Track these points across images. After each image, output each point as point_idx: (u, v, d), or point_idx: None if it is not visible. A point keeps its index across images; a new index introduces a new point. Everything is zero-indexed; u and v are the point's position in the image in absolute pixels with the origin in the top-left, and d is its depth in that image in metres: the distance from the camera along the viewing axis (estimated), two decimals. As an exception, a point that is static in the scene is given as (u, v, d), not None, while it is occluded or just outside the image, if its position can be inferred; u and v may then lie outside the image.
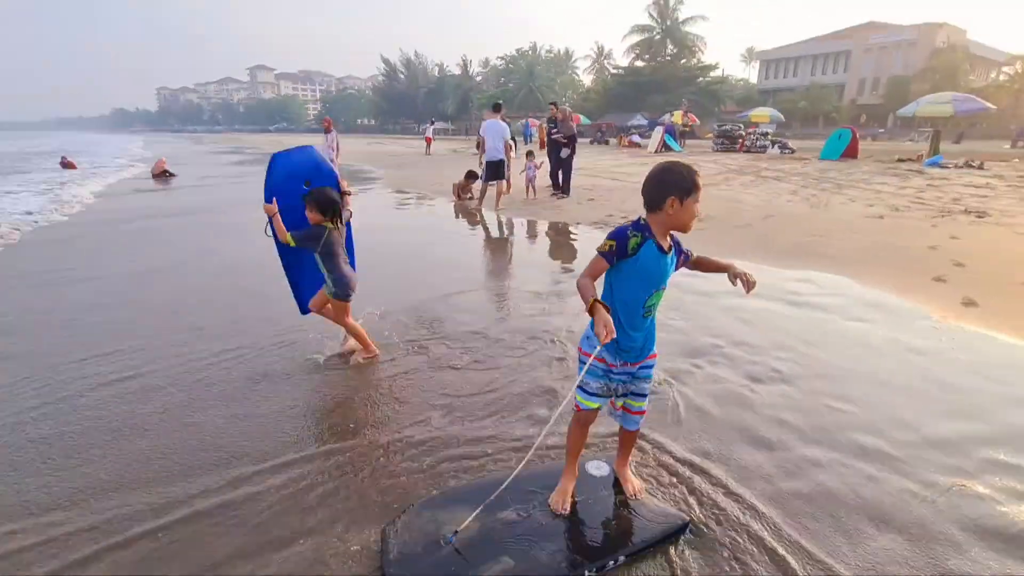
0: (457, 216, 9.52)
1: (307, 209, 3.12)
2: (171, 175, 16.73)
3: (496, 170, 9.52)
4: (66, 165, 20.44)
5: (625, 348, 1.90)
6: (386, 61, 78.16)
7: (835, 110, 47.39)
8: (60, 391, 3.07)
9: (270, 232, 3.13)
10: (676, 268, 1.93)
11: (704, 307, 4.43)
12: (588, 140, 36.75)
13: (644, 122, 40.69)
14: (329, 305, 3.38)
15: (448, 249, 6.95)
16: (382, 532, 1.97)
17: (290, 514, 2.10)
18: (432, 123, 33.31)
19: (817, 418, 2.77)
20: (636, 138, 29.06)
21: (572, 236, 7.48)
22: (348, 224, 3.47)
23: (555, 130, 10.56)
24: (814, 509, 2.13)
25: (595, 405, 1.99)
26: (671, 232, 1.88)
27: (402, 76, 77.14)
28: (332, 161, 11.72)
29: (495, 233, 8.09)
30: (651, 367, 2.00)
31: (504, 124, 9.69)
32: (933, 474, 2.32)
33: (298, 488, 2.25)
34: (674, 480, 2.30)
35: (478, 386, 3.12)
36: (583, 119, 40.66)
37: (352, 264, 3.44)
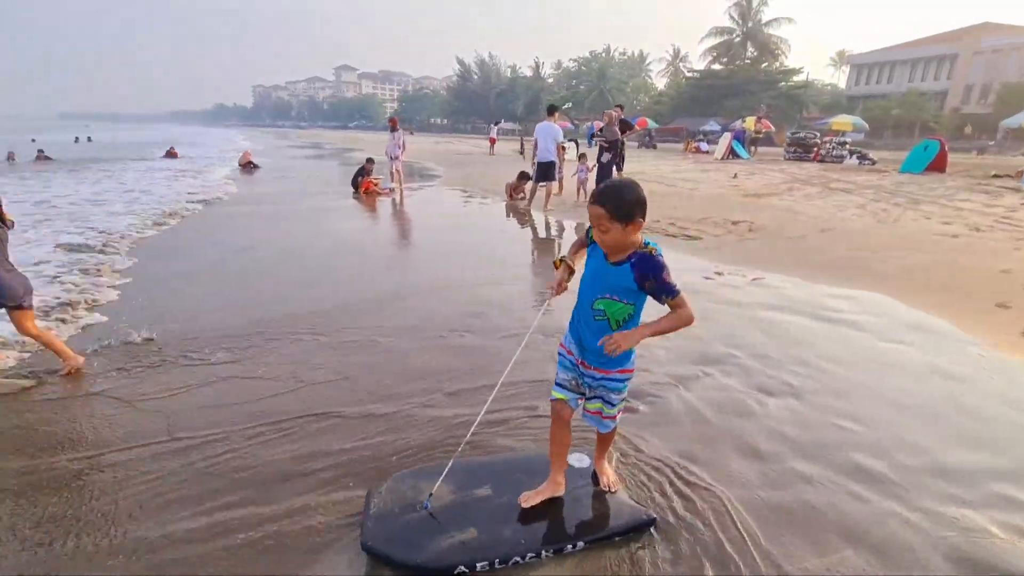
0: (508, 215, 9.73)
1: None
2: (255, 167, 18.17)
3: (547, 171, 9.64)
4: (169, 155, 22.68)
5: (586, 346, 1.93)
6: (461, 62, 79.94)
7: (935, 119, 43.51)
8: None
9: None
10: (644, 290, 1.78)
11: (730, 317, 4.36)
12: (635, 144, 35.94)
13: (717, 127, 39.28)
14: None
15: (491, 245, 7.17)
16: (367, 494, 2.17)
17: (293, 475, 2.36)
18: (496, 124, 33.87)
19: (819, 434, 2.71)
20: (704, 145, 28.14)
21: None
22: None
23: (600, 135, 10.54)
24: (788, 519, 2.12)
25: (561, 396, 2.03)
26: (638, 251, 1.78)
27: (475, 77, 78.58)
28: (397, 158, 12.31)
29: (541, 233, 8.23)
30: (623, 381, 1.97)
31: (557, 127, 9.78)
32: (928, 501, 2.23)
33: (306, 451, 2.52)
34: (653, 478, 2.35)
35: (471, 372, 3.28)
36: (651, 123, 39.86)
37: None
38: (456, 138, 54.92)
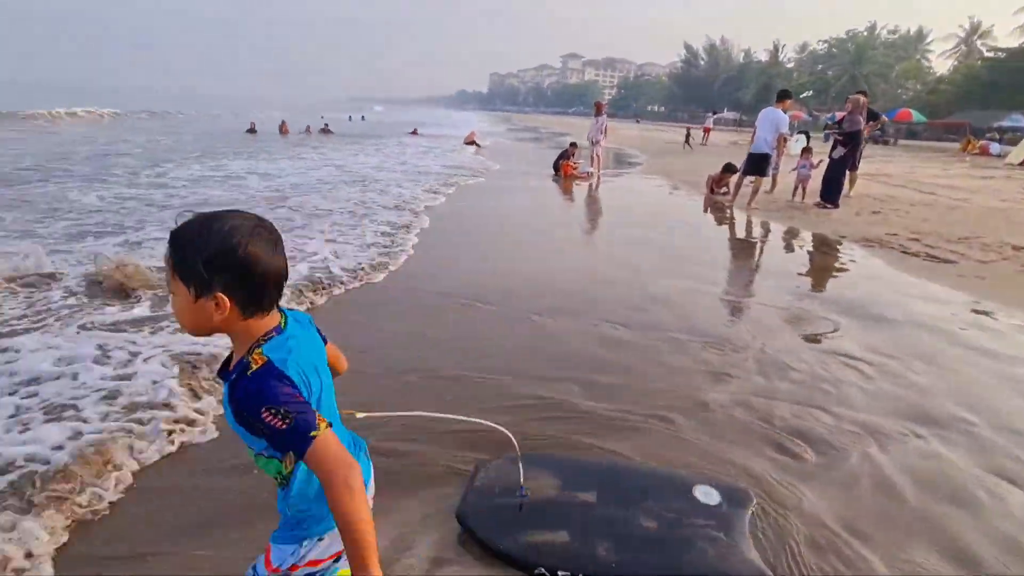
0: (704, 210, 8.96)
1: None
2: (478, 146, 20.00)
3: (758, 164, 8.48)
4: (412, 133, 26.35)
5: None
6: (688, 47, 75.76)
7: None
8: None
9: None
10: (257, 436, 0.94)
11: (975, 368, 3.30)
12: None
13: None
14: None
15: (674, 240, 6.67)
16: (475, 467, 2.18)
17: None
18: (714, 113, 31.44)
19: (1087, 562, 1.88)
20: (995, 146, 21.82)
21: (830, 251, 6.27)
22: None
23: (833, 124, 8.86)
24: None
25: None
26: (243, 359, 0.96)
27: (702, 63, 73.75)
28: (598, 143, 12.24)
29: (738, 233, 7.37)
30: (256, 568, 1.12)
31: (784, 115, 8.51)
32: None
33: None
34: (800, 544, 1.90)
35: (613, 368, 3.04)
36: (916, 115, 32.42)
37: None
38: (670, 126, 52.52)
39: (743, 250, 6.60)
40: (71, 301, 3.68)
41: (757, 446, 2.38)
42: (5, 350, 2.95)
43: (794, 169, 9.41)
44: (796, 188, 9.28)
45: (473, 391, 2.81)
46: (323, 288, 4.21)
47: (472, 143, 20.37)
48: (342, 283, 4.35)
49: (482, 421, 1.73)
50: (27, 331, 3.22)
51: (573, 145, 12.99)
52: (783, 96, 8.66)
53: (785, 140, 8.79)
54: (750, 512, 2.01)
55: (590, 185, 11.27)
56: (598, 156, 12.40)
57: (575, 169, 12.24)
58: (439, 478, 2.16)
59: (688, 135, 23.99)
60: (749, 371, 3.11)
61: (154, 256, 4.61)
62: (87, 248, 4.96)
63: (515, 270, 5.08)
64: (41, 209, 6.41)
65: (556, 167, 12.45)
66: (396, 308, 3.98)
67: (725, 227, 7.78)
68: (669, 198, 10.29)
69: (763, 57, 64.39)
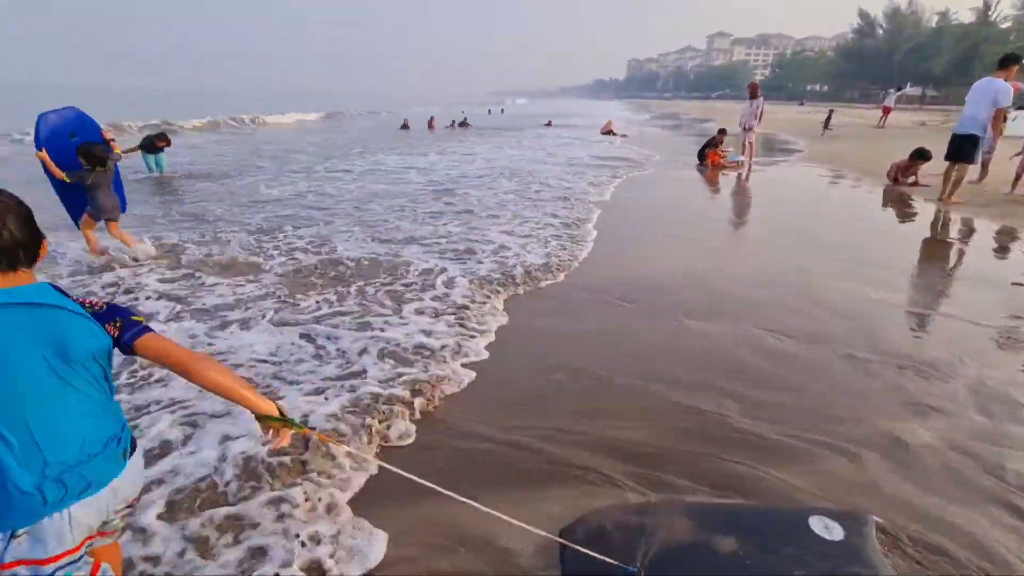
0: (884, 204, 7.68)
1: (78, 156, 4.37)
2: (615, 134, 19.43)
3: (962, 147, 6.97)
4: (547, 125, 26.54)
5: None
6: (863, 15, 65.91)
7: None
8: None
9: (47, 173, 4.37)
10: None
11: None
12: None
13: None
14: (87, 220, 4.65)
15: (845, 237, 5.78)
16: (563, 530, 1.74)
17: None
18: (898, 90, 26.90)
19: None
20: None
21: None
22: (116, 166, 4.74)
23: None
24: None
25: None
26: None
27: (880, 31, 63.77)
28: (751, 129, 11.12)
29: (935, 233, 6.18)
30: None
31: (1007, 85, 6.84)
32: None
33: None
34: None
35: (777, 384, 2.66)
36: None
37: (122, 197, 4.86)
38: (837, 107, 46.21)
39: (938, 253, 5.50)
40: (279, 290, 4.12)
41: (982, 505, 1.91)
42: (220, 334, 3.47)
43: (1018, 154, 7.63)
44: (1019, 178, 7.52)
45: (617, 395, 2.67)
46: (505, 285, 4.26)
47: (609, 132, 19.78)
48: (521, 280, 4.38)
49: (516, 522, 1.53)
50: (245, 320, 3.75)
51: (722, 132, 11.99)
52: (1008, 62, 6.95)
53: (1005, 116, 7.14)
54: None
55: (740, 175, 10.32)
56: (750, 144, 11.30)
57: (723, 158, 11.30)
58: (590, 482, 2.06)
59: (828, 118, 20.80)
60: (963, 406, 2.53)
61: (348, 249, 5.12)
62: (286, 238, 5.58)
63: (671, 267, 4.77)
64: (242, 202, 7.48)
65: (701, 156, 11.61)
66: (564, 306, 3.93)
67: (913, 224, 6.58)
68: (837, 189, 9.02)
69: (967, 18, 53.57)
